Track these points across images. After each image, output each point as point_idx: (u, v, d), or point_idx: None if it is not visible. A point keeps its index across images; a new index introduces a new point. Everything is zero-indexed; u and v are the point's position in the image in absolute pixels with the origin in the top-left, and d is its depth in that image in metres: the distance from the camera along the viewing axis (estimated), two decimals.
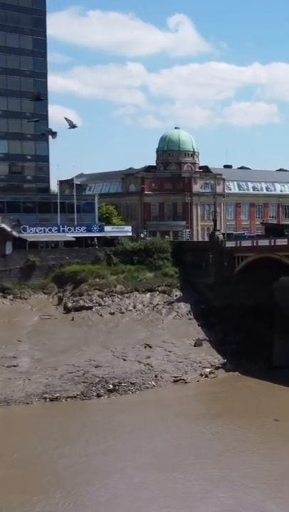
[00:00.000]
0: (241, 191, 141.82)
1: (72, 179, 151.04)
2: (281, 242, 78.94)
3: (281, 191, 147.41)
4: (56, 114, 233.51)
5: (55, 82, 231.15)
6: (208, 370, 72.18)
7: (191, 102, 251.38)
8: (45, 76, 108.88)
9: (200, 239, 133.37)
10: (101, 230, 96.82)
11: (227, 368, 73.46)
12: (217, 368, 73.15)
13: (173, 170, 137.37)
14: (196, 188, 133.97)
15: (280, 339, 75.30)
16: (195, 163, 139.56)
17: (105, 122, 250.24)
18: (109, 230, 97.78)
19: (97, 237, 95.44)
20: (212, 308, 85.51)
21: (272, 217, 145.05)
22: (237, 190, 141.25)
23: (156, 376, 69.17)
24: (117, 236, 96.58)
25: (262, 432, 54.85)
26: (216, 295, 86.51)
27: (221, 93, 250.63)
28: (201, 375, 71.06)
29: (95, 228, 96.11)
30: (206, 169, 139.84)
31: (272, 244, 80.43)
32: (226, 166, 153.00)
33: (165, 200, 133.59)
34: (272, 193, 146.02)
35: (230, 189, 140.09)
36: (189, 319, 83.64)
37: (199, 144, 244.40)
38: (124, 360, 72.08)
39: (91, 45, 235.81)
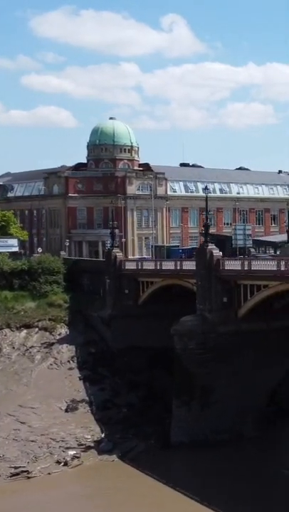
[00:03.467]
0: (189, 193, 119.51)
1: None
2: (188, 265, 56.90)
3: (238, 193, 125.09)
4: (51, 115, 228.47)
5: (48, 82, 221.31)
6: (71, 453, 50.01)
7: (186, 102, 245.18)
8: None
9: (136, 251, 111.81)
10: None
11: (101, 448, 51.20)
12: (88, 449, 50.99)
13: (106, 168, 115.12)
14: (132, 189, 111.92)
15: (182, 405, 53.10)
16: (133, 160, 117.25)
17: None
18: None
19: None
20: (105, 353, 63.94)
21: (228, 224, 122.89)
22: (183, 192, 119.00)
23: None
24: None
25: None
26: (113, 334, 65.05)
27: (216, 94, 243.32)
28: (59, 462, 48.85)
29: None
30: (147, 167, 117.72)
31: (179, 268, 58.44)
32: (182, 165, 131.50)
33: (94, 204, 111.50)
34: (227, 195, 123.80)
35: (174, 191, 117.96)
36: (70, 369, 61.71)
37: (194, 144, 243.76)
38: None
39: (84, 44, 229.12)
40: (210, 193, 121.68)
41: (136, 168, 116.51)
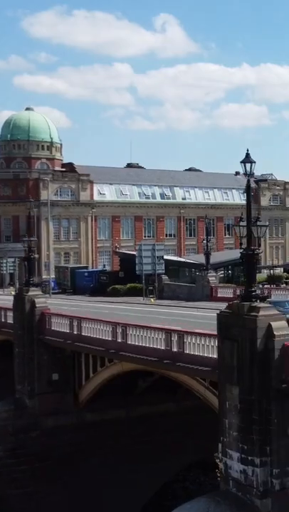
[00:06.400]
0: (121, 199, 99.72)
1: None
2: (11, 317, 37.03)
3: (184, 199, 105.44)
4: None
5: (41, 82, 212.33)
6: None
7: (180, 103, 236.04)
8: None
9: (51, 270, 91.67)
10: None
11: None
12: None
13: (19, 168, 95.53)
14: (48, 194, 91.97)
15: None
16: (54, 159, 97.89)
17: (94, 124, 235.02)
18: None
19: None
20: None
21: (170, 235, 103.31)
22: (114, 198, 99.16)
23: None
24: None
25: None
26: None
27: (210, 94, 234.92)
28: None
29: None
30: (70, 168, 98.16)
31: (3, 319, 38.59)
32: (129, 165, 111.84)
33: (2, 212, 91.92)
34: (170, 201, 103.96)
35: (103, 195, 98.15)
36: None
37: (191, 146, 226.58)
38: None
39: (77, 45, 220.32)
40: (148, 198, 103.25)
41: (57, 168, 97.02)
